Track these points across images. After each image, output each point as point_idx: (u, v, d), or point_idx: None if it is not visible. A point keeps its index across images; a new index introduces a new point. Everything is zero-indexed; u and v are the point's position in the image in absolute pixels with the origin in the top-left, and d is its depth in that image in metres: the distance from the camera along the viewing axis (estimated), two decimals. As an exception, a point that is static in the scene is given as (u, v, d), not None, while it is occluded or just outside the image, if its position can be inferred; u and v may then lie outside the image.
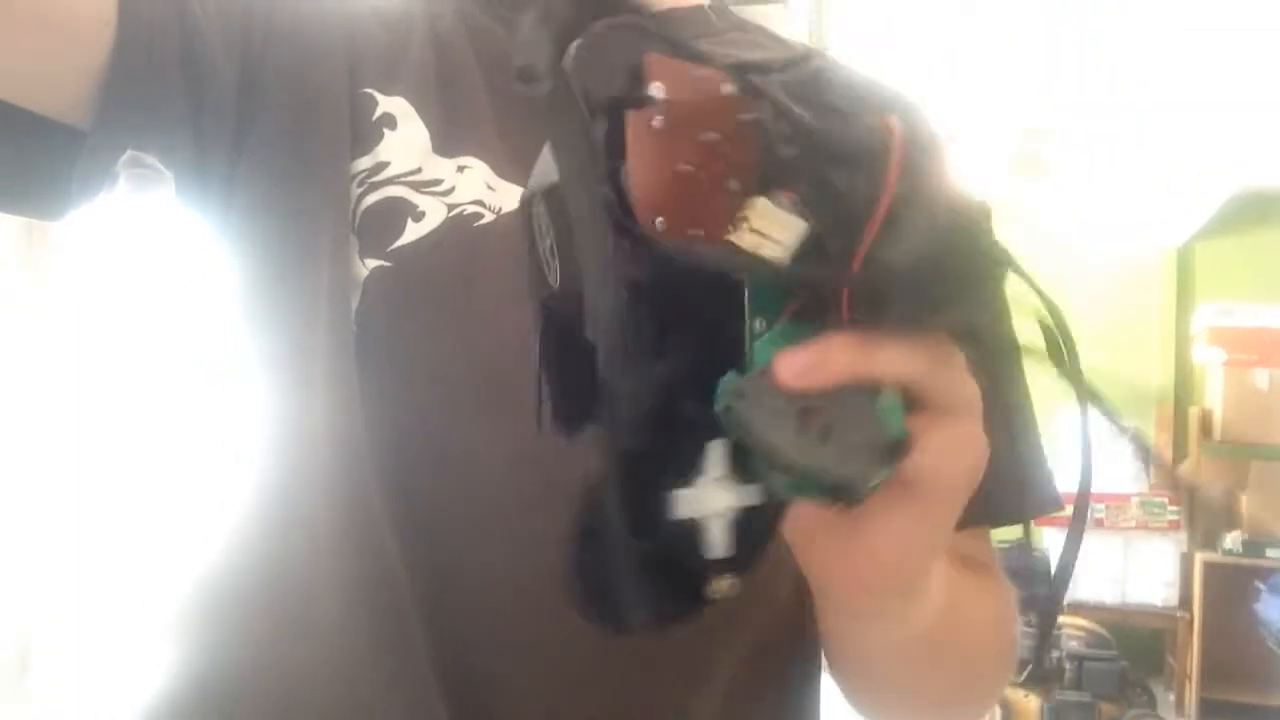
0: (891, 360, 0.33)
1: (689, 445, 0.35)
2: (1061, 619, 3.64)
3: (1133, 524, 3.74)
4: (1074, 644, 3.59)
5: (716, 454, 0.36)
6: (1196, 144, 3.41)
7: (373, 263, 0.54)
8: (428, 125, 0.57)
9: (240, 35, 0.55)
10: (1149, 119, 3.23)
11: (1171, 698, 3.86)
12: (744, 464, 0.36)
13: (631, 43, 0.33)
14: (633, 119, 0.32)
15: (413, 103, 0.58)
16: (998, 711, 3.41)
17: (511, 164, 0.58)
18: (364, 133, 0.57)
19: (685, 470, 0.36)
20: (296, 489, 0.53)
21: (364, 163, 0.56)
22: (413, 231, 0.55)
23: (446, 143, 0.57)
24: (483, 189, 0.56)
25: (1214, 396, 3.98)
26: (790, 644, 0.63)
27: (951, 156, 0.33)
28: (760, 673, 0.61)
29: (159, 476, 0.60)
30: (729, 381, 0.32)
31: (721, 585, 0.36)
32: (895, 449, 0.33)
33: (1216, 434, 3.93)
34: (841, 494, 0.34)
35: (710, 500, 0.35)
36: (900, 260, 0.31)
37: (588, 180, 0.32)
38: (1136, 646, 3.79)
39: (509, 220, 0.56)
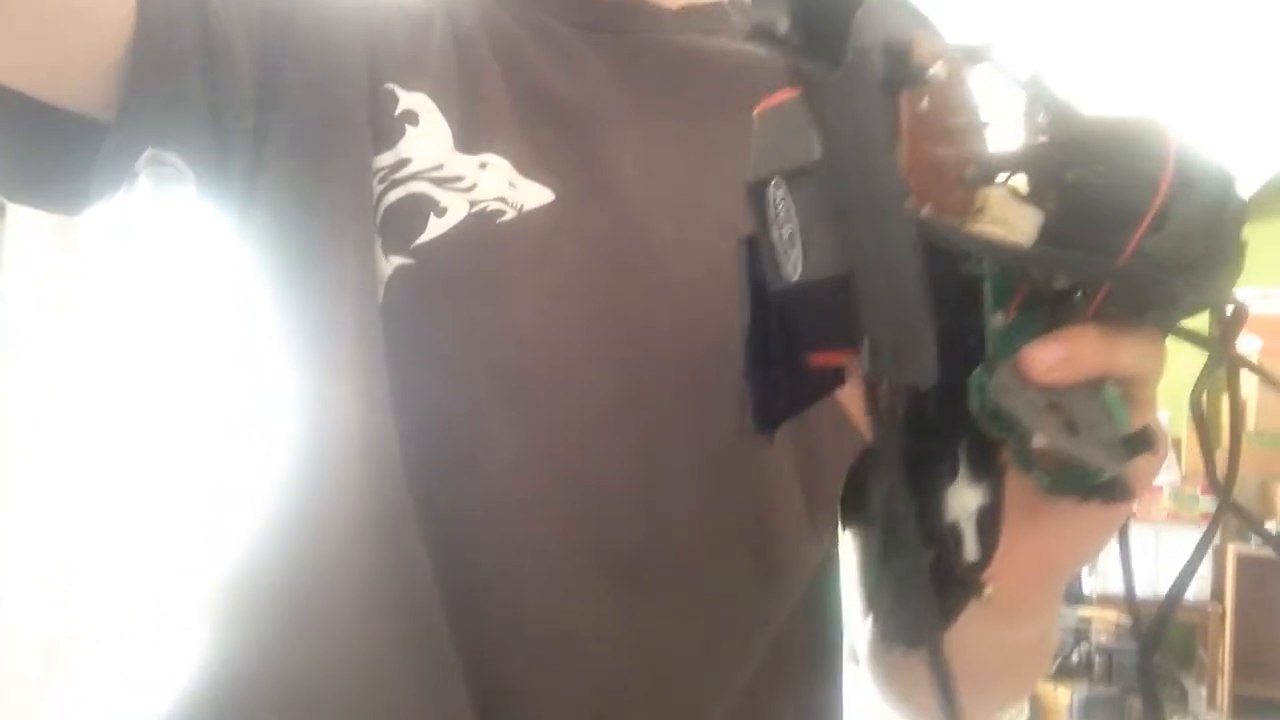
0: (1134, 357, 0.33)
1: (941, 446, 0.34)
2: (1091, 612, 3.62)
3: (1164, 515, 3.70)
4: (1103, 637, 3.57)
5: (964, 454, 0.35)
6: (1232, 128, 3.36)
7: (396, 260, 0.54)
8: (450, 122, 0.57)
9: (260, 31, 0.55)
10: (1184, 102, 3.19)
11: (1203, 691, 3.83)
12: (978, 462, 0.35)
13: (893, 16, 0.32)
14: (905, 100, 0.31)
15: (434, 99, 0.57)
16: (1026, 705, 3.40)
17: (533, 161, 0.57)
18: (386, 129, 0.56)
19: (945, 473, 0.35)
20: (323, 485, 0.53)
21: (386, 159, 0.55)
22: (435, 227, 0.54)
23: (468, 139, 0.57)
24: (505, 186, 0.56)
25: (1249, 385, 3.93)
26: (808, 646, 0.63)
27: (1214, 157, 0.32)
28: (779, 676, 0.61)
29: (186, 472, 0.60)
30: (981, 377, 0.31)
31: (983, 588, 0.36)
32: (1135, 443, 0.32)
33: (1251, 424, 3.87)
34: (1105, 489, 0.33)
35: (966, 501, 0.35)
36: (1168, 258, 0.30)
37: (879, 162, 0.30)
38: (1167, 639, 3.76)
39: (530, 217, 0.55)
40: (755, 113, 0.35)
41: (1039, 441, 0.31)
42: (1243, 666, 3.67)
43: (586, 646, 0.54)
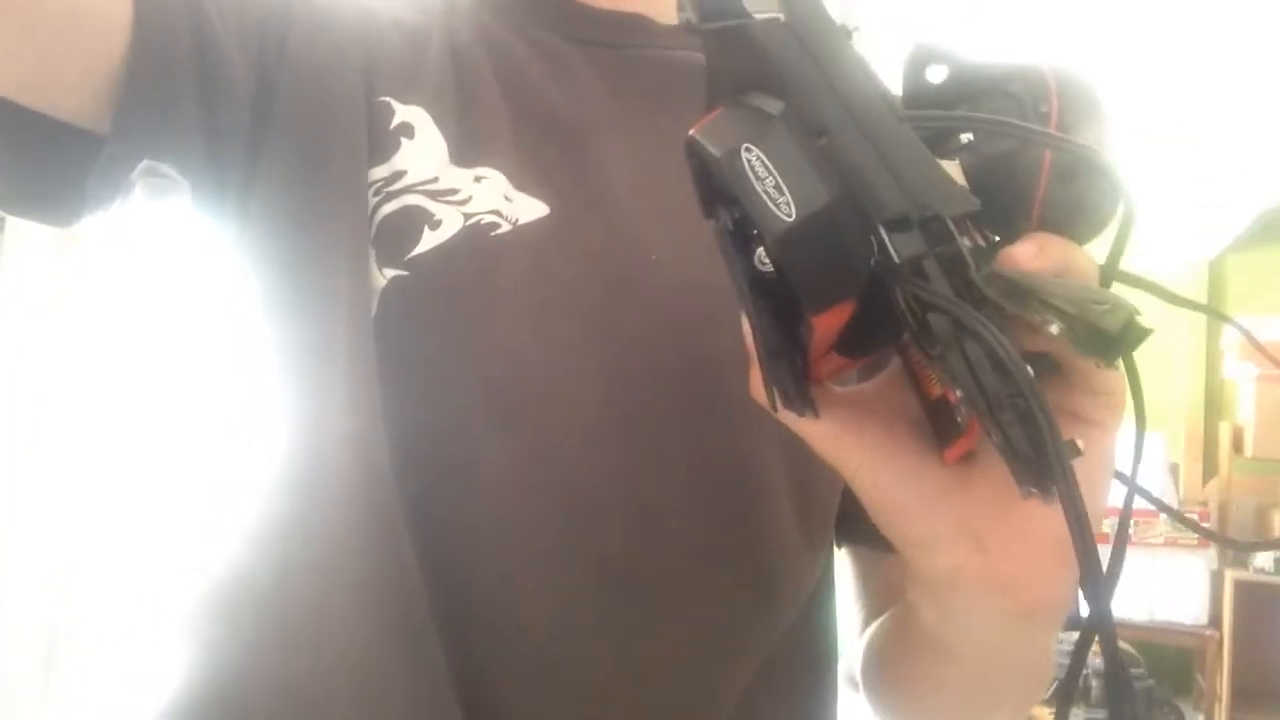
0: (1084, 257, 0.36)
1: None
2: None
3: (1161, 540, 3.68)
4: (1100, 662, 3.54)
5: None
6: (1229, 158, 3.36)
7: (391, 272, 0.54)
8: (445, 136, 0.57)
9: (256, 42, 0.55)
10: (1182, 132, 3.20)
11: (1201, 718, 3.80)
12: None
13: None
14: None
15: (430, 112, 0.57)
16: (1022, 729, 3.37)
17: (528, 175, 0.57)
18: (381, 141, 0.56)
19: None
20: (315, 495, 0.53)
21: (381, 171, 0.55)
22: (429, 240, 0.54)
23: (464, 153, 0.57)
24: (500, 199, 0.56)
25: (1245, 412, 3.92)
26: (802, 663, 0.63)
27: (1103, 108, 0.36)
28: (772, 691, 0.61)
29: (180, 479, 0.60)
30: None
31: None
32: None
33: (1248, 450, 3.86)
34: (1125, 336, 0.31)
35: None
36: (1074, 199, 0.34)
37: (879, 93, 0.32)
38: (1165, 665, 3.74)
39: (524, 231, 0.55)
40: (692, 132, 0.36)
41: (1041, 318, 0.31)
42: (1241, 693, 3.64)
43: (576, 655, 0.54)
